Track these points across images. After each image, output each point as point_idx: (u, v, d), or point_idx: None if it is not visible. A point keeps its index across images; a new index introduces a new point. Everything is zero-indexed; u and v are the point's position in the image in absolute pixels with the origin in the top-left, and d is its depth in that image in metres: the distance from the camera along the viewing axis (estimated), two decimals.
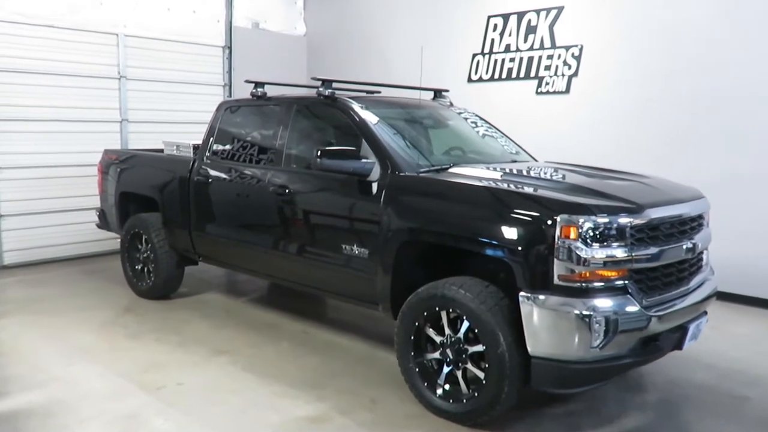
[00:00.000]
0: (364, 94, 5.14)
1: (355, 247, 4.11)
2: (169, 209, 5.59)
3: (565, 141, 6.87)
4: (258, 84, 5.18)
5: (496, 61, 7.52)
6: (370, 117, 4.37)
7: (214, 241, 5.28)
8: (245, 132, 5.25)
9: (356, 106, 4.43)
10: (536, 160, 5.00)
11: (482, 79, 7.63)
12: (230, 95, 8.57)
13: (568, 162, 4.79)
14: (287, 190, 4.55)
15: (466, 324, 3.54)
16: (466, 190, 3.70)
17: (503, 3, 7.42)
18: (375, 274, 4.01)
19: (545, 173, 4.21)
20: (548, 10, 7.03)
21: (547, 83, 7.10)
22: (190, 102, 8.17)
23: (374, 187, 4.03)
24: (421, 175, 3.97)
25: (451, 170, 4.05)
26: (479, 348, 3.49)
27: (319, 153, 4.05)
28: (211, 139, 5.36)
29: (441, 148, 4.68)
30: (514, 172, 4.18)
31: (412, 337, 3.76)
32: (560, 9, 6.94)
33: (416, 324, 3.73)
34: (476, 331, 3.47)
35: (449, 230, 3.64)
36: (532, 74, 7.21)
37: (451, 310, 3.59)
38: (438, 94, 5.48)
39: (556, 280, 3.23)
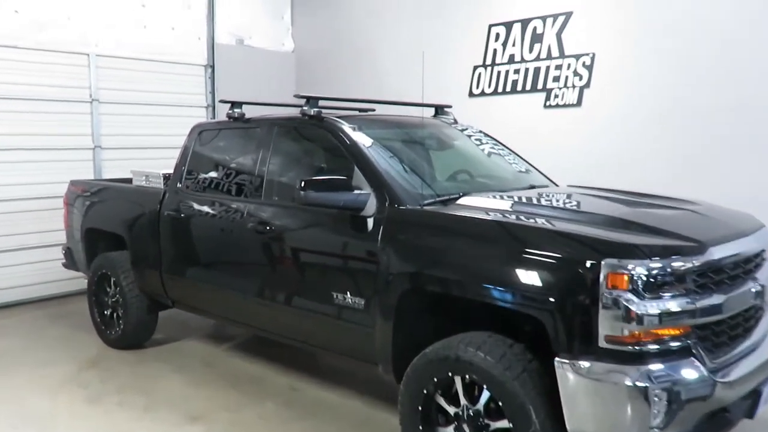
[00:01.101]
0: (356, 113, 4.46)
1: (348, 296, 3.40)
2: (137, 248, 4.88)
3: (578, 158, 6.18)
4: (235, 104, 4.49)
5: (499, 73, 6.85)
6: (362, 139, 3.67)
7: (187, 285, 4.56)
8: (221, 159, 4.56)
9: (346, 127, 3.74)
10: (556, 184, 4.31)
11: (485, 93, 6.96)
12: (214, 117, 7.89)
13: (595, 186, 4.09)
14: (268, 228, 3.84)
15: (486, 394, 2.83)
16: (481, 226, 2.99)
17: (505, 11, 6.78)
18: (373, 328, 3.30)
19: (574, 202, 3.51)
20: (555, 17, 6.38)
21: (556, 96, 6.43)
22: (169, 126, 7.45)
23: (370, 223, 3.33)
24: (425, 208, 3.27)
25: (460, 201, 3.35)
26: (504, 425, 2.77)
27: (302, 184, 3.34)
28: (184, 167, 4.65)
29: (446, 173, 3.99)
30: (537, 201, 3.48)
31: (420, 407, 3.04)
32: (568, 15, 6.29)
33: (425, 391, 3.01)
34: (500, 403, 2.76)
35: (463, 277, 2.93)
36: (540, 86, 6.54)
37: (467, 376, 2.87)
38: (440, 110, 4.79)
39: (601, 342, 2.53)
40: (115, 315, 5.18)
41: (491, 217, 3.05)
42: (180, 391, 4.37)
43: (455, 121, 4.67)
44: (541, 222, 2.96)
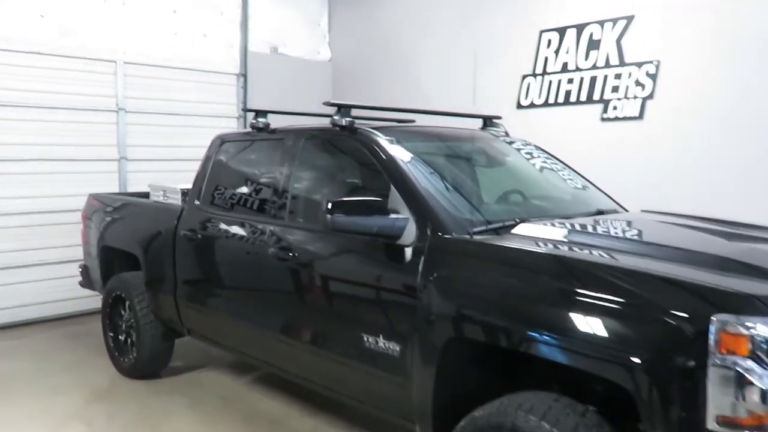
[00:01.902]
0: (394, 124, 3.92)
1: (381, 340, 2.84)
2: (152, 269, 4.41)
3: (639, 176, 5.52)
4: (259, 113, 4.00)
5: (551, 83, 6.25)
6: (400, 154, 3.13)
7: (203, 313, 4.07)
8: (243, 174, 4.07)
9: (382, 140, 3.20)
10: (625, 209, 3.69)
11: (534, 104, 6.36)
12: (245, 127, 7.46)
13: (674, 212, 3.45)
14: (291, 254, 3.31)
15: None
16: (546, 264, 2.40)
17: (558, 15, 6.18)
18: (410, 380, 2.73)
19: (658, 234, 2.89)
20: (614, 21, 5.75)
21: (614, 108, 5.79)
22: (198, 136, 6.97)
23: (408, 253, 2.77)
24: (475, 238, 2.69)
25: (517, 230, 2.76)
26: None
27: (329, 206, 2.80)
28: (203, 183, 4.18)
29: (496, 193, 3.41)
30: (610, 231, 2.88)
31: None
32: (630, 19, 5.66)
33: None
34: None
35: (524, 327, 2.35)
36: (596, 97, 5.91)
37: None
38: (488, 121, 4.22)
39: (711, 424, 1.91)
40: (129, 341, 4.73)
41: (558, 252, 2.46)
42: (192, 431, 3.86)
43: (506, 134, 4.09)
44: (622, 260, 2.36)
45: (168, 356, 4.74)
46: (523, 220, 2.87)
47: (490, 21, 6.68)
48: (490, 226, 2.80)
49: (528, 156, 3.82)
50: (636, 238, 2.73)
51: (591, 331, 2.13)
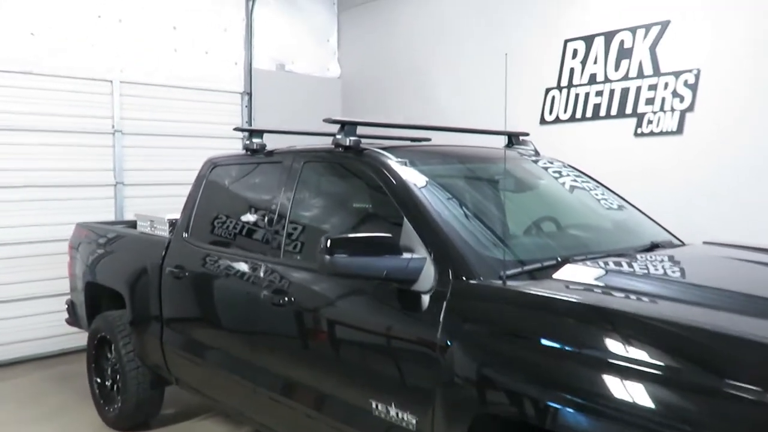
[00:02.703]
0: (406, 143, 3.39)
1: (393, 408, 2.28)
2: (137, 310, 3.89)
3: (678, 198, 4.93)
4: (254, 133, 3.50)
5: (577, 95, 5.70)
6: (414, 178, 2.59)
7: (191, 361, 3.54)
8: (236, 202, 3.55)
9: (392, 162, 2.67)
10: (681, 241, 3.10)
11: (560, 119, 5.81)
12: None
13: (745, 244, 2.87)
14: (286, 299, 2.78)
15: None
16: (614, 324, 1.83)
17: (584, 23, 5.65)
18: None
19: (739, 278, 2.31)
20: (648, 27, 5.21)
21: (650, 122, 5.22)
22: (200, 159, 6.53)
23: (425, 301, 2.23)
24: (508, 284, 2.13)
25: (561, 273, 2.20)
26: None
27: (328, 245, 2.26)
28: (191, 212, 3.67)
29: (527, 224, 2.85)
30: (680, 275, 2.31)
31: None
32: (665, 24, 5.11)
33: None
34: None
35: (576, 403, 1.78)
36: (629, 111, 5.35)
37: None
38: (514, 139, 3.68)
39: None
40: (115, 387, 4.21)
41: (628, 308, 1.89)
42: None
43: (536, 153, 3.54)
44: (713, 319, 1.79)
45: (158, 405, 4.20)
46: (565, 260, 2.31)
47: (510, 32, 6.16)
48: (525, 268, 2.25)
49: (562, 178, 3.27)
50: (714, 284, 2.15)
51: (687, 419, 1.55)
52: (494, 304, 2.09)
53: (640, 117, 5.28)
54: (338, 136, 2.86)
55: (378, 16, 7.50)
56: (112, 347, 4.16)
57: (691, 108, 4.99)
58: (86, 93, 5.99)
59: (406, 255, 2.29)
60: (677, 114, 5.06)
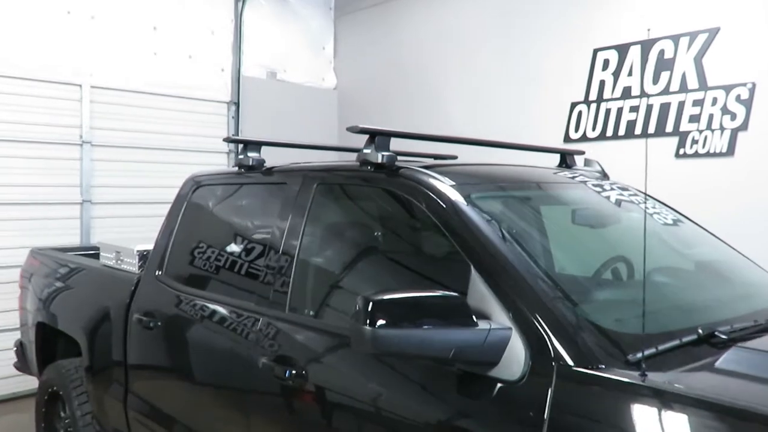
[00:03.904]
0: (441, 162, 2.63)
1: None
2: (96, 363, 3.07)
3: (730, 228, 4.21)
4: (249, 144, 2.72)
5: (608, 111, 5.03)
6: (482, 211, 1.84)
7: None
8: (225, 234, 2.77)
9: (447, 187, 1.91)
10: None
11: (587, 137, 5.12)
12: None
13: None
14: (294, 371, 2.00)
15: None
16: None
17: (617, 30, 4.99)
18: None
19: None
20: (693, 35, 4.56)
21: (694, 141, 4.56)
22: (181, 175, 5.71)
23: (513, 396, 1.47)
24: (649, 376, 1.37)
25: (725, 359, 1.46)
26: None
27: (369, 307, 1.51)
28: (168, 244, 2.88)
29: (632, 273, 2.11)
30: None
31: None
32: (713, 32, 4.47)
33: None
34: None
35: None
36: (669, 129, 4.68)
37: None
38: (567, 158, 2.95)
39: None
40: None
41: None
42: None
43: (604, 175, 2.82)
44: None
45: None
46: (709, 333, 1.57)
47: (530, 39, 5.48)
48: (660, 347, 1.50)
49: (648, 211, 2.53)
50: None
51: None
52: (634, 408, 1.34)
53: (682, 136, 4.61)
54: (366, 151, 2.10)
55: (378, 23, 6.79)
56: (65, 406, 3.33)
57: (744, 126, 4.33)
58: (51, 98, 5.17)
59: (481, 323, 1.53)
60: (727, 133, 4.40)
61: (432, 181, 1.94)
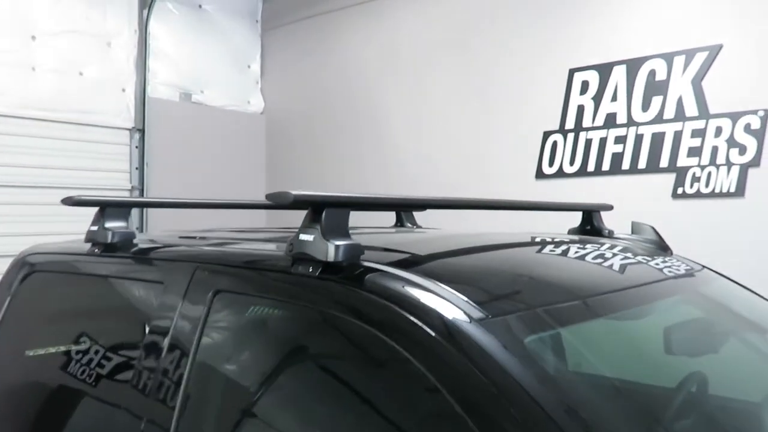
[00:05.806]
0: (381, 229, 1.62)
1: None
2: None
3: (741, 281, 3.48)
4: (109, 207, 1.64)
5: (588, 142, 4.20)
6: (540, 359, 0.85)
7: None
8: (65, 359, 1.66)
9: (456, 310, 0.91)
10: None
11: (564, 172, 4.27)
12: (142, 211, 4.97)
13: None
14: None
15: None
16: None
17: (597, 47, 4.17)
18: None
19: None
20: (690, 54, 3.80)
21: (695, 179, 3.77)
22: (64, 224, 4.50)
23: None
24: None
25: None
26: None
27: None
28: None
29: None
30: None
31: None
32: (715, 50, 3.72)
33: None
34: None
35: None
36: (664, 164, 3.88)
37: None
38: (595, 218, 2.02)
39: None
40: None
41: None
42: None
43: (663, 248, 1.90)
44: None
45: None
46: None
47: (493, 58, 4.61)
48: None
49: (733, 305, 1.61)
50: None
51: None
52: None
53: (680, 172, 3.82)
54: (305, 238, 1.08)
55: (313, 38, 5.79)
56: None
57: (755, 162, 3.58)
58: None
59: None
60: (736, 169, 3.64)
61: (435, 302, 0.93)
